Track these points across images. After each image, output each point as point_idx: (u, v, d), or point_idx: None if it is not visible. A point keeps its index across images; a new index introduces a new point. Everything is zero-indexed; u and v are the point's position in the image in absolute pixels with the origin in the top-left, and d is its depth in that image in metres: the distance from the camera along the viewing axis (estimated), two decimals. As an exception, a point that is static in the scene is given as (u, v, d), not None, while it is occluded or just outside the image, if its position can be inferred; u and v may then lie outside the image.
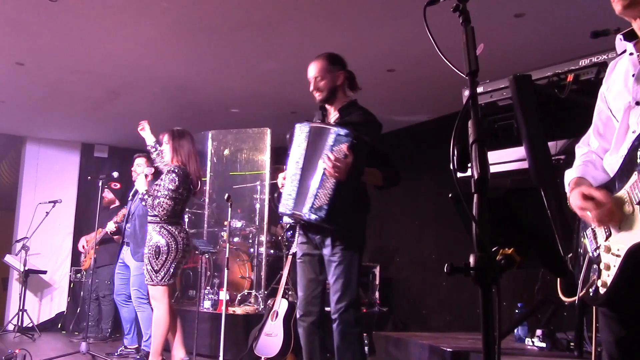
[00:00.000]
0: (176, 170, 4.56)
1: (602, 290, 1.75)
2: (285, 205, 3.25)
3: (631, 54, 1.85)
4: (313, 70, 3.43)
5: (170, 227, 4.56)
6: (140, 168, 5.81)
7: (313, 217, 3.10)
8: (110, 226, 6.43)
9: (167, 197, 4.51)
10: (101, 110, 7.34)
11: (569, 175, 1.96)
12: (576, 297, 1.89)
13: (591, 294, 1.81)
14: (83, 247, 7.49)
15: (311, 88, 3.43)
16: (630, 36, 1.87)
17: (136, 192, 5.90)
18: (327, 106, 3.47)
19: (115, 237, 6.56)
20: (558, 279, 1.92)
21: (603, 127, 1.96)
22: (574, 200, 1.83)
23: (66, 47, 5.30)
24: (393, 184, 3.38)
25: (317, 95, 3.42)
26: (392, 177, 3.34)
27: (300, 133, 3.28)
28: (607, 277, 1.74)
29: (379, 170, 3.26)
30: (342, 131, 3.11)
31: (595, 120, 2.00)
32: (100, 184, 6.20)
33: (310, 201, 3.12)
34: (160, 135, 4.81)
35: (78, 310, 7.73)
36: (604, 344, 1.82)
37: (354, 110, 3.38)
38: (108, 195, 6.92)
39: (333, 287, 3.21)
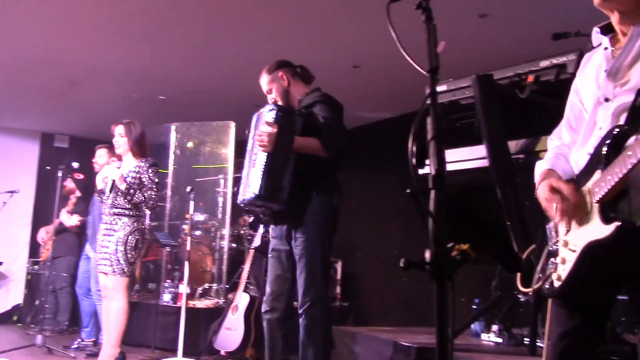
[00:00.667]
0: (155, 164, 4.60)
1: (556, 284, 1.79)
2: (239, 195, 3.31)
3: (606, 48, 1.85)
4: (262, 87, 3.52)
5: (141, 219, 4.59)
6: (101, 159, 5.71)
7: (249, 195, 3.14)
8: (74, 220, 6.32)
9: (156, 189, 4.54)
10: (62, 99, 7.20)
11: (540, 167, 1.97)
12: (531, 289, 1.93)
13: (547, 286, 1.85)
14: (42, 238, 7.35)
15: (271, 103, 3.50)
16: (606, 30, 1.87)
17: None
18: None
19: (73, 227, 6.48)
20: (520, 271, 1.97)
21: (575, 120, 1.96)
22: (542, 191, 1.86)
23: (25, 35, 5.18)
24: (335, 150, 3.20)
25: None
26: (333, 143, 3.19)
27: (251, 124, 3.42)
28: (563, 271, 1.78)
29: (316, 139, 3.18)
30: (269, 107, 3.24)
31: (568, 113, 2.00)
32: (60, 175, 6.08)
33: (248, 182, 3.19)
34: (112, 127, 4.70)
35: (36, 303, 7.59)
36: (550, 335, 1.86)
37: (311, 95, 3.41)
38: (69, 184, 6.78)
39: (298, 282, 3.21)
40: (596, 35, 1.91)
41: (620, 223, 1.62)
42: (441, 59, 1.50)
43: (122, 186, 4.39)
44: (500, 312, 3.81)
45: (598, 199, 1.67)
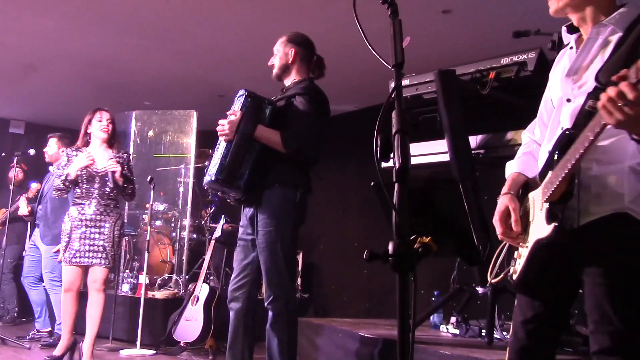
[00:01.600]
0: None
1: (514, 277, 1.85)
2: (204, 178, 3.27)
3: (571, 47, 1.89)
4: (275, 45, 3.43)
5: None
6: (51, 149, 5.63)
7: (207, 179, 3.13)
8: (23, 210, 6.17)
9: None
10: (18, 84, 7.02)
11: (510, 169, 2.01)
12: (494, 280, 1.99)
13: (508, 279, 1.91)
14: None
15: (268, 63, 3.42)
16: (573, 29, 1.90)
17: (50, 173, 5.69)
18: (284, 84, 3.42)
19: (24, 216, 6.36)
20: (492, 263, 2.03)
21: (547, 116, 1.99)
22: (498, 205, 1.91)
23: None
24: (293, 148, 3.12)
25: (273, 71, 3.41)
26: (293, 141, 3.12)
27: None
28: (518, 265, 1.85)
29: (277, 132, 3.13)
30: (240, 92, 3.20)
31: (541, 109, 2.03)
32: (14, 161, 5.96)
33: (209, 166, 3.18)
34: (96, 112, 4.42)
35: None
36: (513, 324, 1.92)
37: (297, 86, 3.32)
38: (19, 175, 6.67)
39: (263, 275, 3.20)
40: (565, 35, 1.94)
41: (557, 223, 1.68)
42: (405, 54, 1.51)
43: (120, 180, 4.24)
44: (459, 304, 3.87)
45: (545, 199, 1.74)
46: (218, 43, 5.37)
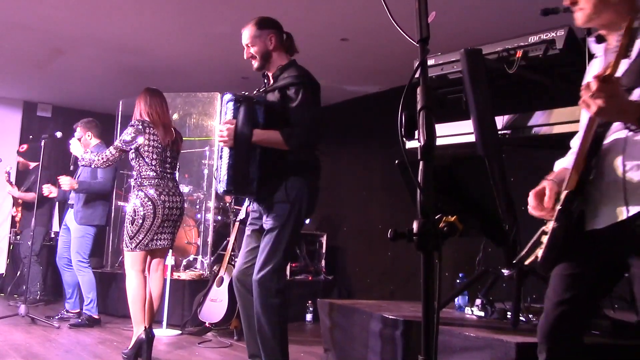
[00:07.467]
0: (132, 124, 4.13)
1: (539, 259, 1.90)
2: (217, 185, 3.26)
3: (600, 56, 1.97)
4: (244, 38, 3.34)
5: (147, 189, 4.03)
6: (78, 135, 5.74)
7: (221, 190, 3.11)
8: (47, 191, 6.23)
9: (114, 146, 4.12)
10: (45, 68, 7.09)
11: (558, 165, 2.10)
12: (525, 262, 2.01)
13: (536, 263, 1.95)
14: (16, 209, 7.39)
15: (245, 57, 3.35)
16: (601, 38, 1.98)
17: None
18: (267, 73, 3.38)
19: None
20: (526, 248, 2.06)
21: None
22: (538, 186, 1.98)
23: (9, 1, 5.07)
24: (297, 145, 3.10)
25: (253, 64, 3.34)
26: (295, 138, 3.08)
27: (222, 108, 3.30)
28: (540, 250, 1.91)
29: (277, 131, 3.07)
30: (227, 97, 3.12)
31: (582, 120, 2.08)
32: (42, 144, 6.02)
33: (219, 176, 3.14)
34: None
35: (17, 273, 7.55)
36: (545, 305, 1.95)
37: (286, 73, 3.25)
38: (20, 159, 6.85)
39: (259, 254, 3.19)
40: (592, 45, 2.01)
41: (560, 207, 1.82)
42: (429, 32, 1.48)
43: (78, 154, 4.31)
44: (484, 287, 3.84)
45: (564, 188, 1.86)
46: (241, 24, 5.34)
